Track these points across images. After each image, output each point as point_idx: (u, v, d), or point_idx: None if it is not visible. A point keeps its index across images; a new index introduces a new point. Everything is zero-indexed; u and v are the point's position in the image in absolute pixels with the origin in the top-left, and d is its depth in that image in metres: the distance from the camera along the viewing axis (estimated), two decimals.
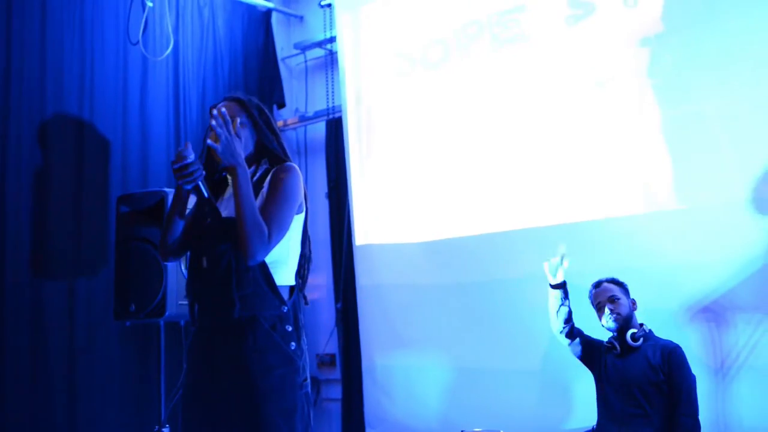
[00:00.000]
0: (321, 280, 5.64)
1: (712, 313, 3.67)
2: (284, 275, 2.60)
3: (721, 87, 3.71)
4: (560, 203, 4.15)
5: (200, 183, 2.48)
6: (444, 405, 4.47)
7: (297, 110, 5.89)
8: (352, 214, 5.05)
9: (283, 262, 2.59)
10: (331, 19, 5.49)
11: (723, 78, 3.70)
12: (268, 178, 2.61)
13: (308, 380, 2.61)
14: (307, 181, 5.79)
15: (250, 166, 2.68)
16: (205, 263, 2.60)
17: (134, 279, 4.09)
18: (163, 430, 4.09)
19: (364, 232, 4.98)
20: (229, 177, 2.55)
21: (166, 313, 4.00)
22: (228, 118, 2.50)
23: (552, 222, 4.15)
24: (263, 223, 2.47)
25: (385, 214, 4.88)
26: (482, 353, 4.36)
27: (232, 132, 2.49)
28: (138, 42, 4.83)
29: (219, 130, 2.45)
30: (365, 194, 5.00)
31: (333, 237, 5.54)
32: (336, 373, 5.49)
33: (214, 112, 2.50)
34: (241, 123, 2.64)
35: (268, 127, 2.70)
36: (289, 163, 2.64)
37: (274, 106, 5.71)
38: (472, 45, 4.55)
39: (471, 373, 4.39)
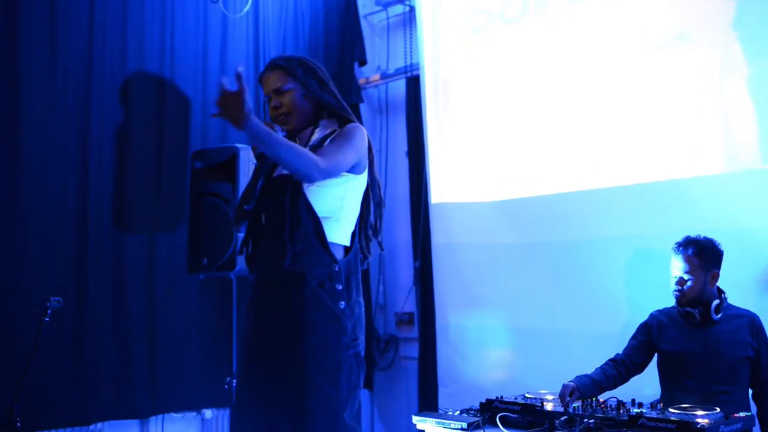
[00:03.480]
0: (400, 239, 5.64)
1: None
2: (337, 233, 2.60)
3: None
4: (638, 162, 3.98)
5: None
6: (515, 366, 4.40)
7: (379, 67, 5.85)
8: (428, 172, 5.00)
9: (335, 218, 2.59)
10: None
11: None
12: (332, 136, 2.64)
13: (359, 341, 2.59)
14: (387, 139, 5.77)
15: (308, 126, 2.73)
16: (263, 220, 2.66)
17: (206, 233, 4.18)
18: (234, 382, 4.20)
19: (439, 190, 4.93)
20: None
21: (237, 267, 4.08)
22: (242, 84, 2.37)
23: (629, 181, 4.00)
24: (301, 147, 2.48)
25: (460, 173, 4.80)
26: (555, 315, 4.26)
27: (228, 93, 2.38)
28: (218, 0, 4.87)
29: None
30: (441, 152, 4.93)
31: (412, 195, 5.50)
32: (414, 332, 5.49)
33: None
34: (289, 89, 2.70)
35: (318, 82, 2.72)
36: (355, 123, 2.69)
37: (356, 64, 5.69)
38: None
39: (543, 335, 4.30)
